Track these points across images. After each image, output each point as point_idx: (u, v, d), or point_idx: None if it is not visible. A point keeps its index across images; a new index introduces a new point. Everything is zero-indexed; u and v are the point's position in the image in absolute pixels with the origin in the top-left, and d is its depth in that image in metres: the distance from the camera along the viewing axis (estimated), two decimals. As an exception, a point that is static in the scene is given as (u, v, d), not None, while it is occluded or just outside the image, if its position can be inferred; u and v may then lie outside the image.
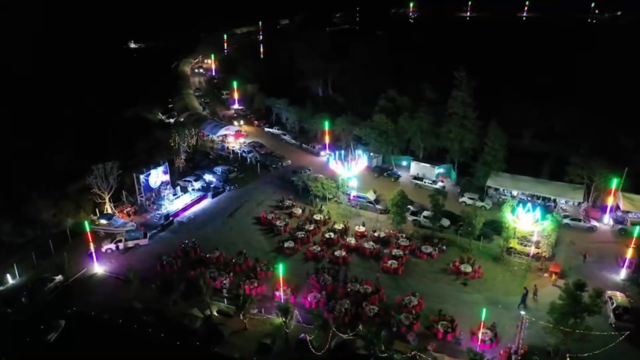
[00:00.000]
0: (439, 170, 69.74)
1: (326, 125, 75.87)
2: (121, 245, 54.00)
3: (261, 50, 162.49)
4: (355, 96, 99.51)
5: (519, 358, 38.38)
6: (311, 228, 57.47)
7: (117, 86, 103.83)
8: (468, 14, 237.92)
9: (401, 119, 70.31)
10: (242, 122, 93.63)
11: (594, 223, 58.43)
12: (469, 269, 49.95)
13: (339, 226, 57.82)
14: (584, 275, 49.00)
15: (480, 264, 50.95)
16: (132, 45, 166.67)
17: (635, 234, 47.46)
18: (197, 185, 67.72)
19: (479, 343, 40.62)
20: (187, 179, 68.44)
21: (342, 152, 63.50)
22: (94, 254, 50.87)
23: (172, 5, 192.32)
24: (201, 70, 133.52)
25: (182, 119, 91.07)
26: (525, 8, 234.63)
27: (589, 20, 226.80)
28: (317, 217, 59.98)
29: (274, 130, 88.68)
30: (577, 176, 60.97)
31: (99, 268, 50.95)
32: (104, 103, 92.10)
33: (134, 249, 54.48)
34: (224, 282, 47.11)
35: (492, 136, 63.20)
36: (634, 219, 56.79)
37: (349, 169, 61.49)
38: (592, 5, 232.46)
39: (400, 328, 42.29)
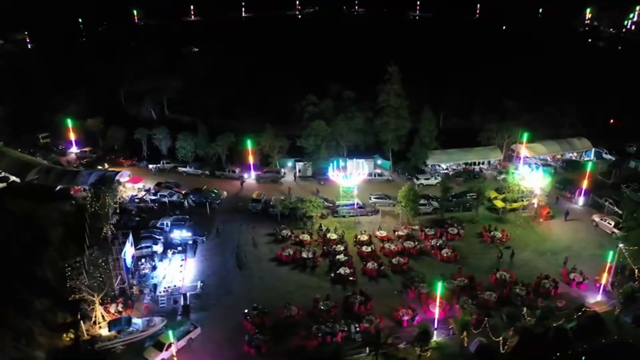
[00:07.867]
0: (378, 162, 73.37)
1: (249, 144, 69.83)
2: (174, 350, 40.05)
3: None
4: (207, 111, 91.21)
5: (616, 283, 47.06)
6: (342, 249, 54.00)
7: None
8: (192, 17, 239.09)
9: (339, 120, 70.12)
10: (106, 165, 75.58)
11: (517, 172, 72.52)
12: (499, 235, 56.37)
13: (362, 238, 55.98)
14: (559, 212, 61.91)
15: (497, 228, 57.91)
16: None
17: (588, 169, 61.85)
18: (159, 248, 53.86)
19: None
20: (145, 244, 53.45)
21: (339, 162, 60.32)
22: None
23: None
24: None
25: (31, 178, 68.18)
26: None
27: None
28: (330, 236, 56.42)
29: (164, 165, 74.99)
30: (489, 139, 73.85)
31: (180, 389, 37.16)
32: None
33: (187, 346, 41.28)
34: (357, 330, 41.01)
35: (426, 120, 70.12)
36: (541, 161, 73.13)
37: (348, 179, 59.17)
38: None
39: (524, 300, 45.85)
